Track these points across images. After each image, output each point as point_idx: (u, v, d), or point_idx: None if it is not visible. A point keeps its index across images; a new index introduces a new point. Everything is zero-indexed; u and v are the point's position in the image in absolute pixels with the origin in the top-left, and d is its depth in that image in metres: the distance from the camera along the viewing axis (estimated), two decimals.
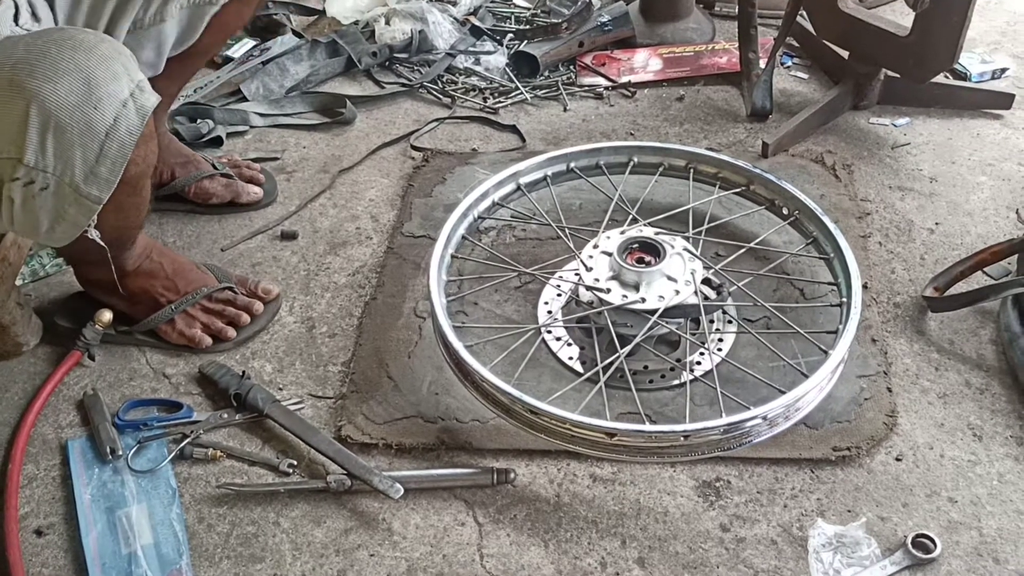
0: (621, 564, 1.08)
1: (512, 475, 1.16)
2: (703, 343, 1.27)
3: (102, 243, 1.07)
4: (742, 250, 1.37)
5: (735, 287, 1.32)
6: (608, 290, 1.25)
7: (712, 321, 1.32)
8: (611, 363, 1.19)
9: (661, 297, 1.23)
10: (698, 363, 1.28)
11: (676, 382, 1.26)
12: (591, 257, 1.30)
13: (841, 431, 1.19)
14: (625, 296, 1.24)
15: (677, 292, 1.23)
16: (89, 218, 1.03)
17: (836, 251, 1.31)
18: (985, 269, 1.39)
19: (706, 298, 1.25)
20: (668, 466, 1.17)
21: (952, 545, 1.08)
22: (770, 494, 1.14)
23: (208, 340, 1.35)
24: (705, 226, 1.39)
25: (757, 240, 1.40)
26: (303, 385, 1.31)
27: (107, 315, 1.33)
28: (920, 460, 1.17)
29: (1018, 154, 1.69)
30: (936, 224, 1.54)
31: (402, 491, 1.13)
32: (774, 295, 1.37)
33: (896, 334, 1.34)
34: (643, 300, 1.23)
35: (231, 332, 1.36)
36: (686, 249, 1.28)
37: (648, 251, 1.28)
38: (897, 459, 1.17)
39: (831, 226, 1.33)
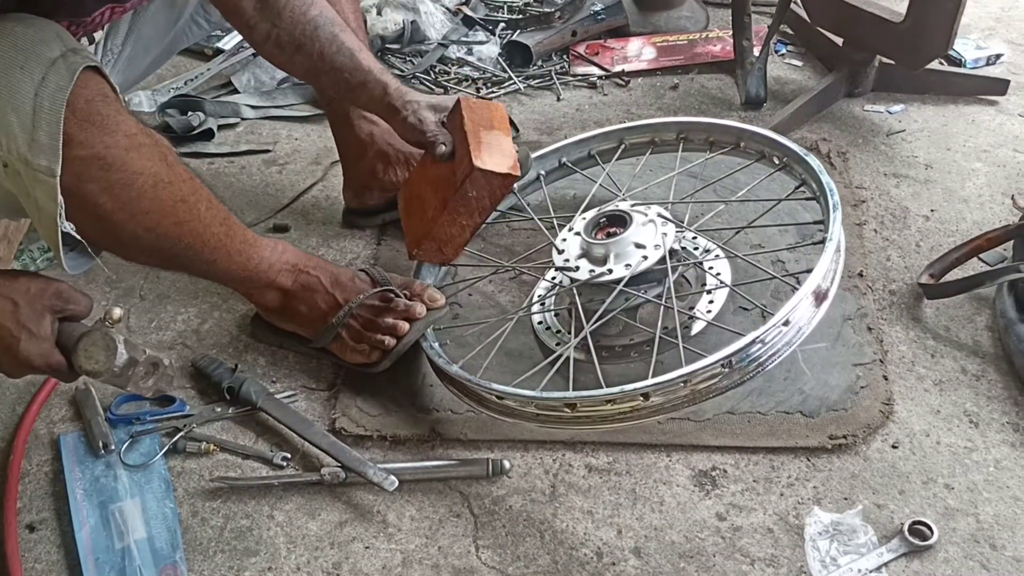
0: (617, 554, 1.08)
1: (507, 466, 1.16)
2: (692, 307, 1.25)
3: (77, 236, 1.01)
4: (721, 206, 1.36)
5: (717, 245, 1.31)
6: (576, 268, 1.24)
7: (704, 284, 1.30)
8: (581, 337, 1.18)
9: (628, 266, 1.21)
10: (685, 327, 1.24)
11: (667, 350, 1.19)
12: (564, 240, 1.29)
13: (837, 419, 1.18)
14: (592, 271, 1.23)
15: (645, 258, 1.21)
16: (52, 199, 0.96)
17: (818, 184, 1.25)
18: (981, 255, 1.39)
19: (676, 259, 1.23)
20: (664, 455, 1.17)
21: (949, 532, 1.07)
22: (766, 483, 1.14)
23: (376, 353, 1.25)
24: (694, 190, 1.37)
25: (744, 191, 1.37)
26: (296, 378, 1.31)
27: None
28: (916, 447, 1.17)
29: (1013, 140, 1.69)
30: (931, 211, 1.53)
31: (396, 483, 1.12)
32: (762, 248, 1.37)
33: (892, 321, 1.34)
34: (610, 272, 1.22)
35: (390, 341, 1.23)
36: (659, 215, 1.26)
37: (616, 223, 1.27)
38: (893, 446, 1.17)
39: (812, 162, 1.28)
